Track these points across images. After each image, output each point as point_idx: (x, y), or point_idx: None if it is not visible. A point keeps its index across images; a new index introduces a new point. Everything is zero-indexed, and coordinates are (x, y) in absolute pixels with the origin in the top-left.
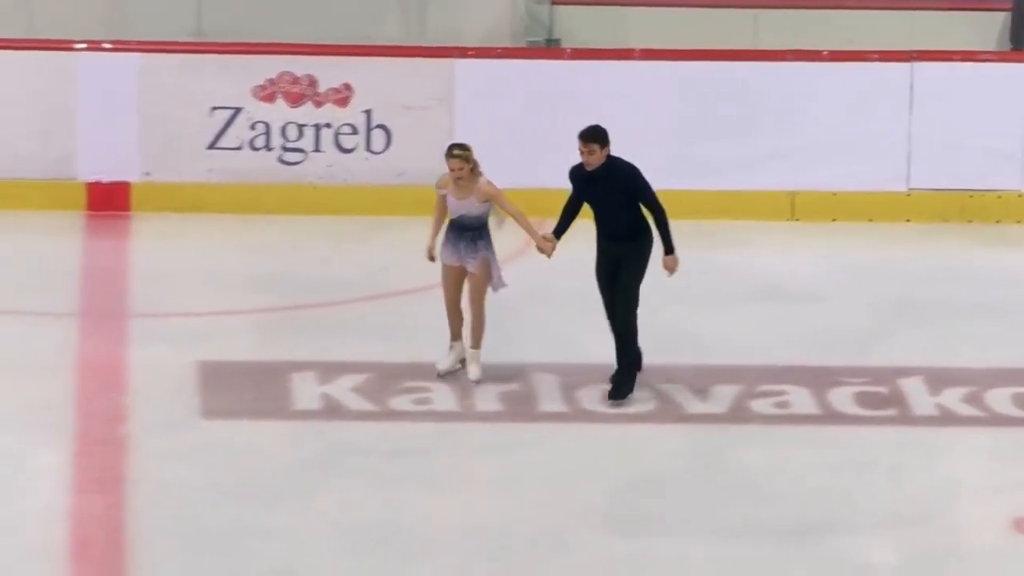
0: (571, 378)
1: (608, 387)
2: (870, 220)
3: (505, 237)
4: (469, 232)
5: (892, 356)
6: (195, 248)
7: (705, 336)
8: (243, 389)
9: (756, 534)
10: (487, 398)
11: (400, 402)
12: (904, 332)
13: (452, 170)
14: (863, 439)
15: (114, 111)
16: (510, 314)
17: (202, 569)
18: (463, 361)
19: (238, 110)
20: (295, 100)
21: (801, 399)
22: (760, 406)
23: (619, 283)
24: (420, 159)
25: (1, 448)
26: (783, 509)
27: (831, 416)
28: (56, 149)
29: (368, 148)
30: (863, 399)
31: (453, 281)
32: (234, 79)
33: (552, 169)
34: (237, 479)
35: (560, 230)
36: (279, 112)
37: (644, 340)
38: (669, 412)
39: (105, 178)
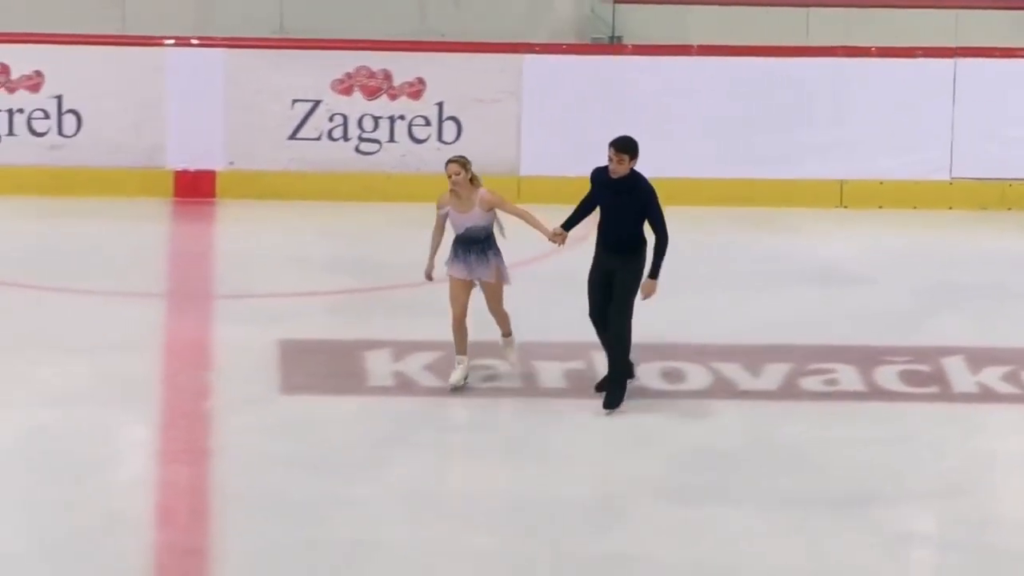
0: (631, 355)
1: (598, 394)
2: (914, 208)
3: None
4: (477, 244)
5: (935, 336)
6: (276, 233)
7: (758, 316)
8: (320, 366)
9: (805, 504)
10: (551, 376)
11: (469, 379)
12: (946, 314)
13: (450, 176)
14: (906, 415)
15: (201, 104)
16: (568, 296)
17: (281, 537)
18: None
19: (317, 103)
20: (371, 93)
21: (848, 376)
22: (809, 383)
23: (615, 296)
24: (489, 149)
25: (92, 421)
26: (830, 480)
27: (876, 393)
28: (146, 139)
29: (440, 139)
30: (907, 377)
31: (462, 294)
32: (314, 73)
33: None
34: (314, 452)
35: (570, 223)
36: (356, 104)
37: (703, 322)
38: (724, 388)
39: (192, 167)
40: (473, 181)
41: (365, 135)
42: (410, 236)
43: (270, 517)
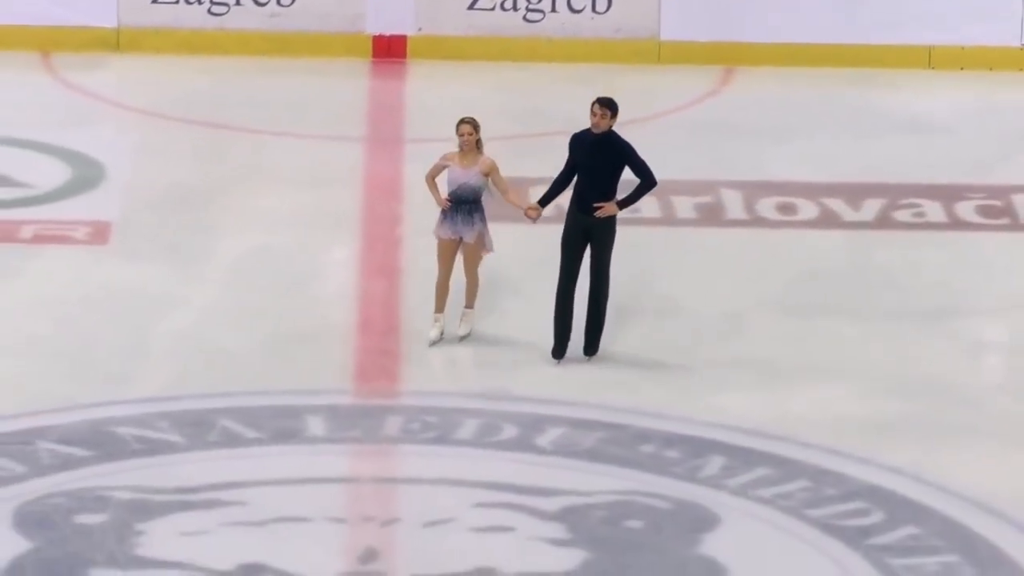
0: (751, 192)
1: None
2: (991, 69)
3: None
4: (466, 205)
5: (1007, 177)
6: (456, 88)
7: (858, 159)
8: (492, 198)
9: (895, 317)
10: (684, 208)
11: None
12: (1018, 157)
13: (462, 135)
14: (982, 242)
15: None
16: (701, 141)
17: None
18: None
19: None
20: None
21: (933, 210)
22: (901, 215)
23: (596, 256)
24: (634, 18)
25: (303, 244)
26: (916, 297)
27: (956, 224)
28: (349, 8)
29: (594, 9)
30: (983, 210)
31: (450, 255)
32: None
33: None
34: (486, 270)
35: (547, 199)
36: None
37: (812, 163)
38: (828, 220)
39: (387, 32)
40: (479, 144)
41: (532, 6)
42: (567, 91)
43: (450, 323)
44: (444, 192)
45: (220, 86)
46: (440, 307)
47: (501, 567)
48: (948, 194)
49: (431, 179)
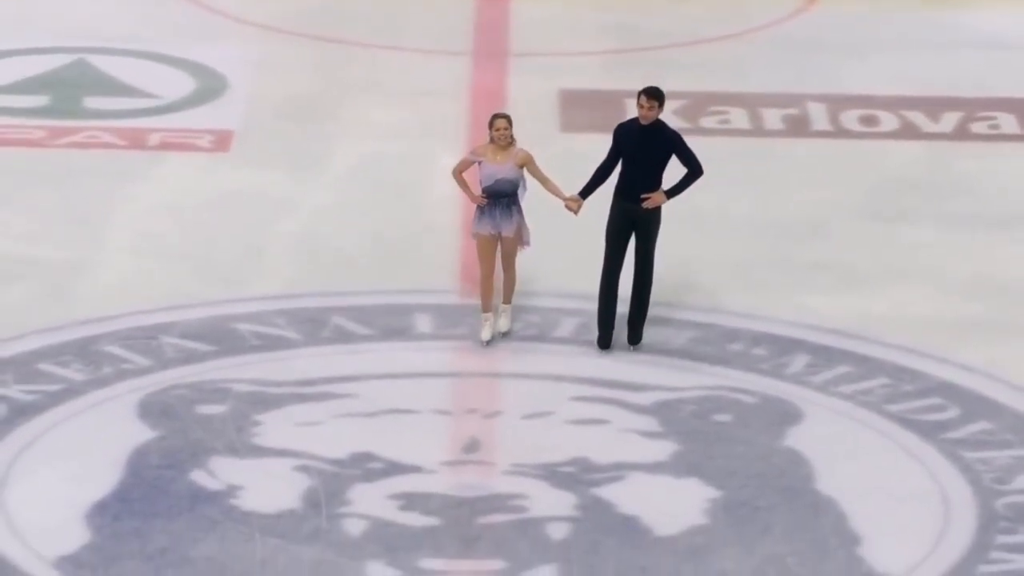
0: (835, 105)
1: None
2: None
3: None
4: (504, 199)
5: None
6: (559, 6)
7: (937, 74)
8: (591, 110)
9: (972, 222)
10: (772, 119)
11: (707, 121)
12: None
13: (499, 129)
14: None
15: None
16: (790, 56)
17: (547, 231)
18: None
19: None
20: None
21: (1008, 122)
22: (977, 127)
23: (641, 248)
24: None
25: (413, 151)
26: (991, 205)
27: None
28: None
29: None
30: None
31: (491, 251)
32: None
33: None
34: (584, 175)
35: (587, 190)
36: None
37: (893, 78)
38: (909, 131)
39: None
40: (512, 138)
41: None
42: (665, 7)
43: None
44: (476, 189)
45: (336, 3)
46: (487, 306)
47: (595, 458)
48: (1022, 107)
49: (459, 174)
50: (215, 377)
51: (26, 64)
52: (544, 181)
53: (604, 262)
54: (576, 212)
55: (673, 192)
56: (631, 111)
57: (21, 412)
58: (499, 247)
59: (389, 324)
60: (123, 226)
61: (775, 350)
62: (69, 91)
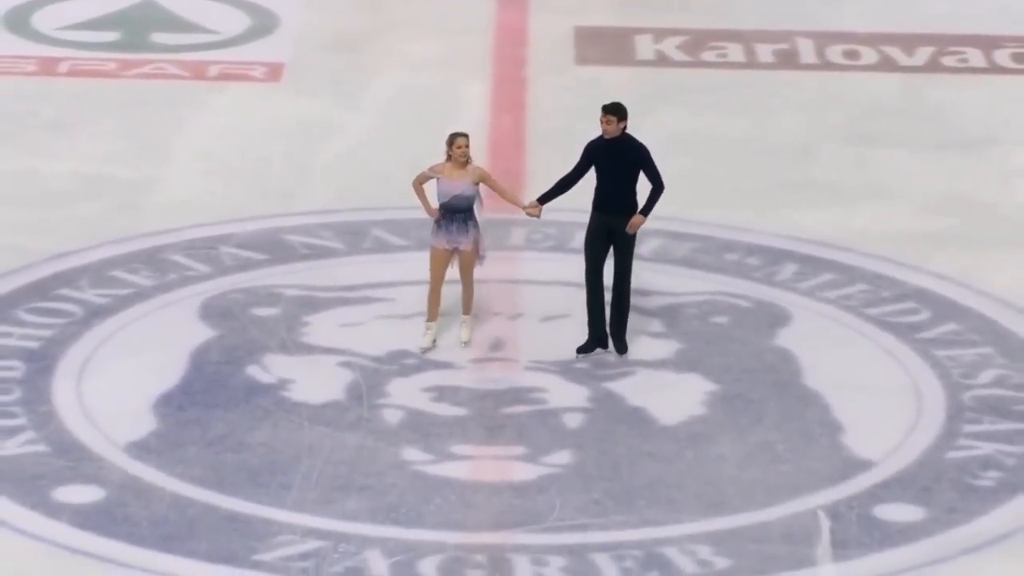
0: (821, 40)
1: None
2: None
3: None
4: (460, 214)
5: None
6: None
7: (911, 13)
8: (603, 45)
9: (943, 146)
10: (764, 53)
11: (708, 55)
12: None
13: (459, 147)
14: (1020, 82)
15: None
16: None
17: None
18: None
19: None
20: None
21: (976, 57)
22: (948, 61)
23: (620, 258)
24: None
25: (444, 82)
26: (961, 130)
27: (996, 68)
28: None
29: None
30: (1017, 57)
31: (442, 264)
32: None
33: None
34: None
35: (546, 198)
36: None
37: (870, 14)
38: (886, 64)
39: None
40: (470, 157)
41: None
42: None
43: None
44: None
45: None
46: (433, 315)
47: (606, 355)
48: (988, 43)
49: (419, 185)
50: (268, 283)
51: (99, 2)
52: (503, 192)
53: (586, 263)
54: (538, 217)
55: (647, 211)
56: (639, 46)
57: (95, 314)
58: (456, 261)
59: (423, 236)
60: (185, 148)
61: (766, 260)
62: (137, 27)
